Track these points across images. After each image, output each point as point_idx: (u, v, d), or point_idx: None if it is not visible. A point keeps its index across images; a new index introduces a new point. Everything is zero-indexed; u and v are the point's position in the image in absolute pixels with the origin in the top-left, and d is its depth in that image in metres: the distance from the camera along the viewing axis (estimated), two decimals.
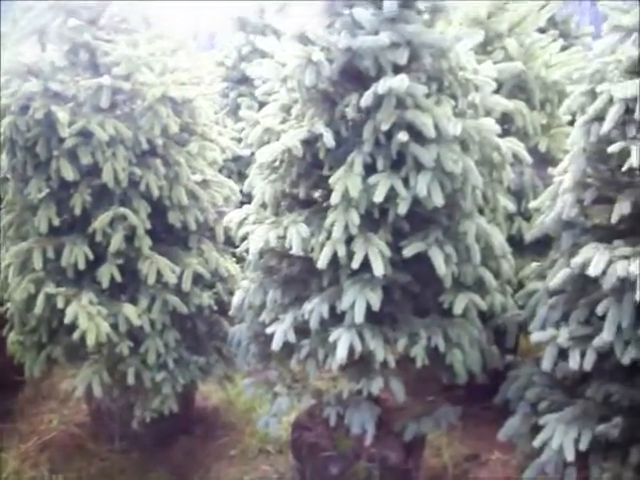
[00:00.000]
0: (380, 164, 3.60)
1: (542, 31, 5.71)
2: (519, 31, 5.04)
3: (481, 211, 4.15)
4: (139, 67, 4.40)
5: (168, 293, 4.40)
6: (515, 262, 4.49)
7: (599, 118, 3.35)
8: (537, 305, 3.75)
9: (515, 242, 4.57)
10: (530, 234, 3.91)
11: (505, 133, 4.81)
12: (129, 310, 4.31)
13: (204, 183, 4.66)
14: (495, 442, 4.00)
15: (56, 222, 4.36)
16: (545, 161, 4.81)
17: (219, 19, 6.75)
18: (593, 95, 3.44)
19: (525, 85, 4.87)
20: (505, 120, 4.82)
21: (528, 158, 4.11)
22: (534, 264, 4.09)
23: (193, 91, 4.62)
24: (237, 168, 5.71)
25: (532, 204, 4.01)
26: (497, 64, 4.52)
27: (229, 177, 5.38)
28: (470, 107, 3.79)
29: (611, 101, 3.28)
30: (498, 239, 3.89)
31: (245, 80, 5.88)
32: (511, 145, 4.01)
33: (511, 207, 4.23)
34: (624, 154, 3.27)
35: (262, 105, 4.23)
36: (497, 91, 4.74)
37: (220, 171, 5.13)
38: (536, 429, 3.61)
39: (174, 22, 7.58)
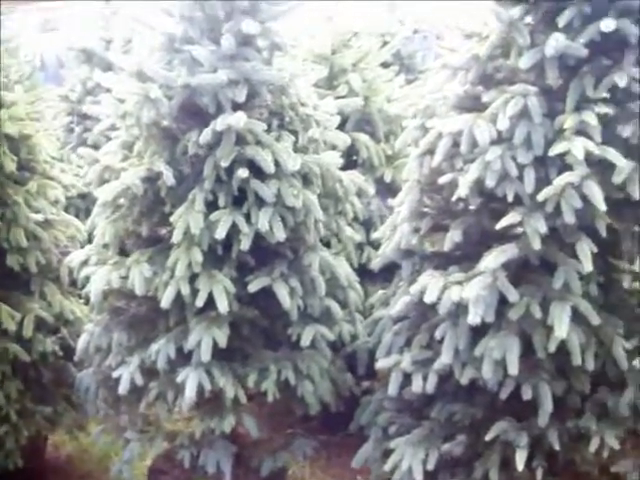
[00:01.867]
0: (222, 200, 3.59)
1: (388, 65, 5.97)
2: (363, 66, 5.22)
3: (328, 243, 4.24)
4: None
5: (8, 341, 4.16)
6: (367, 290, 4.62)
7: (430, 151, 3.51)
8: (383, 332, 3.85)
9: (366, 271, 4.69)
10: (374, 264, 4.02)
11: (352, 165, 4.99)
12: None
13: (46, 223, 4.46)
14: (357, 469, 4.06)
15: None
16: (391, 191, 4.96)
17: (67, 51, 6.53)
18: (425, 129, 3.60)
19: (369, 118, 5.03)
20: (351, 152, 4.97)
21: (371, 190, 4.25)
22: (380, 292, 4.20)
23: (32, 127, 4.44)
24: (85, 205, 5.52)
25: (375, 234, 4.12)
26: (340, 99, 4.69)
27: (76, 215, 5.18)
28: (311, 142, 3.86)
29: (440, 135, 3.44)
30: (343, 270, 3.97)
31: (91, 115, 5.69)
32: (353, 177, 4.12)
33: (357, 237, 4.34)
34: (454, 185, 3.43)
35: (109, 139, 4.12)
36: (343, 124, 4.93)
37: (66, 209, 4.95)
38: (388, 453, 3.69)
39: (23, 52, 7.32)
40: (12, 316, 4.17)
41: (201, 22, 3.80)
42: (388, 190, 4.98)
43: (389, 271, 4.32)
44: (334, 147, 4.22)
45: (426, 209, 3.74)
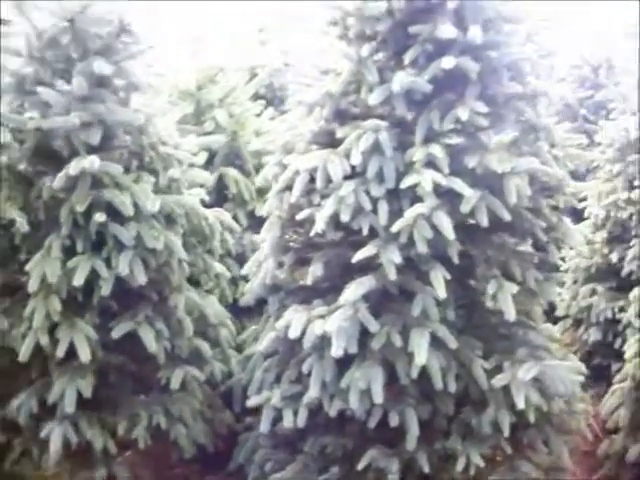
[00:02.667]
0: (80, 246, 3.51)
1: (261, 98, 6.02)
2: (230, 101, 5.24)
3: (197, 281, 4.20)
4: None
5: None
6: (244, 325, 4.61)
7: (289, 187, 3.55)
8: (254, 369, 3.84)
9: (242, 306, 4.67)
10: (243, 300, 4.01)
11: (223, 200, 4.99)
12: None
13: None
14: None
15: None
16: (263, 225, 5.00)
17: None
18: (284, 166, 3.64)
19: (238, 152, 5.05)
20: (221, 187, 4.97)
21: (236, 226, 4.25)
22: (253, 327, 4.19)
23: None
24: None
25: (242, 271, 4.12)
26: (204, 136, 4.69)
27: None
28: (172, 182, 3.83)
29: (298, 172, 3.49)
30: (212, 308, 3.95)
31: None
32: (219, 215, 4.12)
33: (227, 274, 4.32)
34: (312, 220, 3.48)
35: None
36: (211, 159, 4.93)
37: None
38: None
39: None
40: None
41: (53, 63, 3.72)
42: (260, 224, 4.99)
43: (264, 303, 4.34)
44: (201, 185, 4.21)
45: (290, 244, 3.78)
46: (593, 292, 5.97)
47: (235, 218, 4.87)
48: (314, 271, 3.49)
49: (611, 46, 7.89)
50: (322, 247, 3.62)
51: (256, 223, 4.98)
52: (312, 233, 3.45)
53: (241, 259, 4.93)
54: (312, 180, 3.46)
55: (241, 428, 4.17)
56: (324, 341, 3.36)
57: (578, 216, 6.45)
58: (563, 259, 6.07)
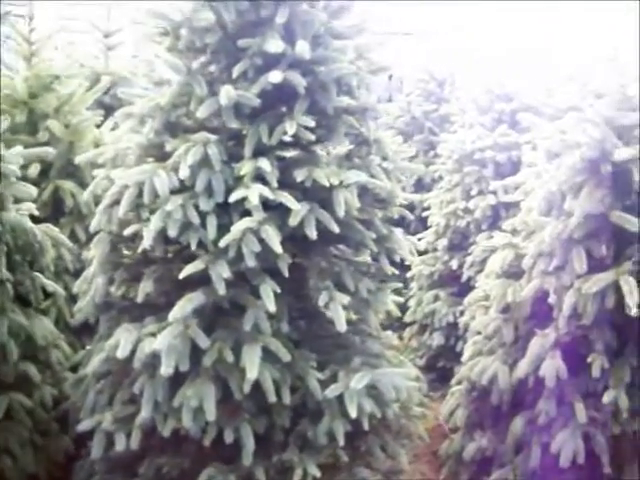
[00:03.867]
0: None
1: (107, 106, 5.82)
2: (67, 110, 5.03)
3: (27, 301, 3.99)
4: None
5: None
6: (85, 344, 4.42)
7: (117, 202, 3.45)
8: (87, 391, 3.69)
9: (84, 324, 4.49)
10: (74, 320, 3.86)
11: (59, 214, 4.79)
12: None
13: None
14: None
15: None
16: None
17: None
18: (112, 180, 3.53)
19: (75, 164, 4.85)
20: (57, 200, 4.76)
21: (67, 242, 4.10)
22: (88, 347, 4.03)
23: None
24: None
25: (73, 289, 3.96)
26: (37, 146, 4.48)
27: None
28: None
29: (126, 186, 3.40)
30: (41, 329, 3.77)
31: None
32: (48, 231, 3.95)
33: (60, 291, 4.15)
34: (140, 236, 3.40)
35: None
36: (46, 171, 4.72)
37: None
38: None
39: None
40: None
41: None
42: None
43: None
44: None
45: (122, 259, 3.67)
46: (436, 298, 6.24)
47: (73, 233, 4.69)
48: (144, 287, 3.41)
49: (454, 60, 8.31)
50: (153, 263, 3.54)
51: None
52: (140, 249, 3.36)
53: (80, 275, 4.74)
54: (140, 194, 3.38)
55: (83, 452, 4.00)
56: (155, 359, 3.28)
57: (424, 225, 6.73)
58: (409, 267, 6.32)
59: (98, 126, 5.27)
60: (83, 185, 4.86)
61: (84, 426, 3.52)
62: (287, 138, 3.57)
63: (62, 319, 4.37)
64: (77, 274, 4.64)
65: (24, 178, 4.12)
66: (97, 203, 4.75)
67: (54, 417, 4.02)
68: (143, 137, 3.55)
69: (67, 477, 3.94)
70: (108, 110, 5.76)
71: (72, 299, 4.59)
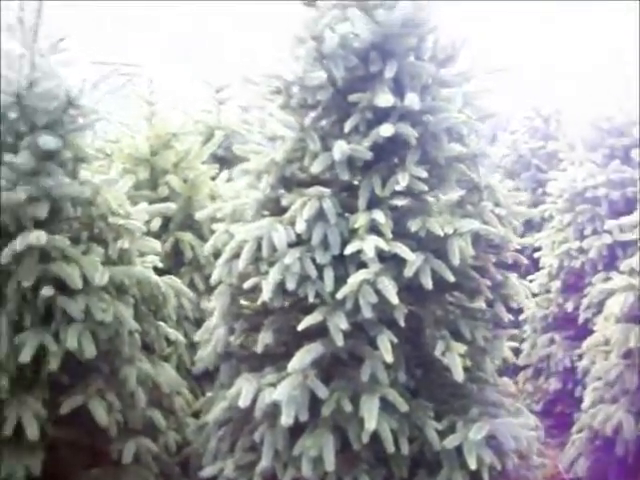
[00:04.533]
0: (27, 320, 3.49)
1: (220, 159, 6.08)
2: (184, 165, 5.29)
3: (152, 349, 4.18)
4: None
5: None
6: (204, 390, 4.57)
7: (237, 256, 3.58)
8: (209, 438, 3.81)
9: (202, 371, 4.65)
10: (195, 369, 4.01)
11: (179, 264, 5.01)
12: None
13: None
14: None
15: None
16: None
17: None
18: (231, 234, 3.68)
19: (193, 217, 5.07)
20: (177, 252, 4.99)
21: (188, 292, 4.28)
22: (208, 394, 4.17)
23: None
24: None
25: (195, 338, 4.12)
26: (160, 201, 4.72)
27: None
28: (122, 252, 3.84)
29: (245, 240, 3.53)
30: (166, 377, 3.93)
31: None
32: (171, 282, 4.14)
33: (181, 339, 4.31)
34: (261, 288, 3.51)
35: None
36: (166, 224, 4.96)
37: None
38: None
39: None
40: None
41: (1, 137, 3.74)
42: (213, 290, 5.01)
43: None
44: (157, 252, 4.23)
45: (241, 310, 3.79)
46: (551, 341, 6.07)
47: (192, 283, 4.89)
48: (264, 338, 3.51)
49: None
50: (272, 314, 3.64)
51: (213, 287, 4.99)
52: (259, 302, 3.47)
53: (200, 323, 4.92)
54: (259, 248, 3.50)
55: None
56: (275, 409, 3.36)
57: (535, 266, 6.58)
58: (521, 309, 6.17)
59: (213, 178, 5.50)
60: (201, 237, 5.09)
61: (207, 473, 3.63)
62: (399, 187, 3.62)
63: (182, 366, 4.54)
64: (196, 322, 4.85)
65: (147, 232, 4.36)
66: (215, 255, 5.02)
67: (177, 462, 4.15)
68: (260, 192, 3.69)
69: None
70: (221, 162, 6.02)
71: (192, 346, 4.79)
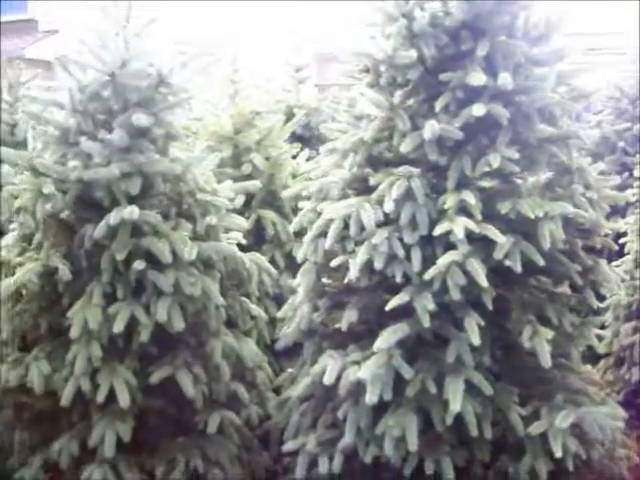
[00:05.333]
0: (120, 292, 3.59)
1: (299, 138, 6.11)
2: (267, 144, 5.33)
3: (235, 323, 4.25)
4: None
5: None
6: (282, 366, 4.63)
7: (323, 234, 3.60)
8: (290, 413, 3.86)
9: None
10: (278, 345, 4.06)
11: (261, 241, 5.07)
12: None
13: None
14: None
15: None
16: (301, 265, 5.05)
17: None
18: (317, 212, 3.70)
19: (275, 195, 5.13)
20: (259, 229, 5.05)
21: (272, 270, 4.32)
22: (289, 370, 4.22)
23: None
24: None
25: (278, 314, 4.17)
26: (246, 180, 4.77)
27: None
28: (209, 228, 3.91)
29: (331, 219, 3.55)
30: (249, 351, 3.99)
31: None
32: (255, 259, 4.19)
33: (263, 315, 4.37)
34: (346, 267, 3.52)
35: None
36: (249, 202, 5.02)
37: None
38: None
39: None
40: None
41: (95, 115, 3.85)
42: (298, 265, 5.04)
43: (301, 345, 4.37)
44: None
45: (325, 288, 3.82)
46: (635, 330, 5.86)
47: (273, 259, 4.94)
48: (349, 316, 3.52)
49: None
50: (357, 292, 3.65)
51: (293, 264, 5.04)
52: (346, 280, 3.49)
53: (279, 300, 4.98)
54: (346, 227, 3.51)
55: (279, 470, 4.19)
56: (359, 387, 3.38)
57: (619, 252, 6.37)
58: (604, 297, 6.00)
59: (293, 157, 5.53)
60: (282, 215, 5.14)
61: (289, 447, 3.69)
62: (488, 169, 3.56)
63: (262, 342, 4.60)
64: (275, 299, 4.91)
65: (230, 209, 4.41)
66: (296, 233, 5.05)
67: (256, 435, 4.22)
68: (346, 171, 3.69)
69: None
70: (300, 141, 6.05)
71: (271, 323, 4.86)
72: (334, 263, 3.55)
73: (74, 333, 3.51)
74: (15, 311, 3.78)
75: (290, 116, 6.09)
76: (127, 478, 3.58)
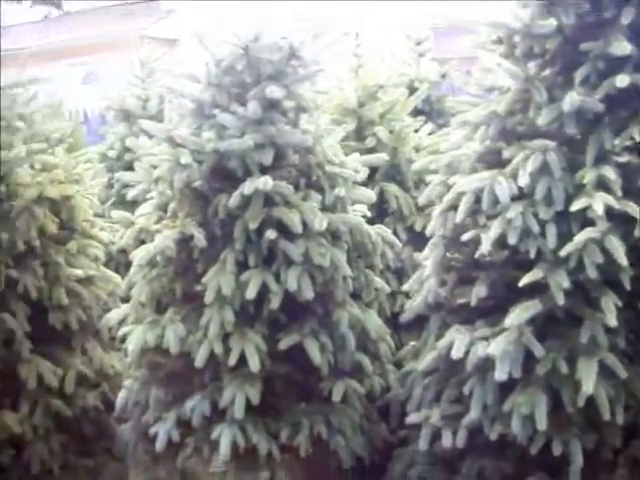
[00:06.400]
0: (252, 260, 3.70)
1: (419, 112, 6.05)
2: (390, 117, 5.31)
3: (359, 295, 4.30)
4: (13, 168, 4.40)
5: (50, 397, 4.32)
6: (401, 339, 4.66)
7: (453, 207, 3.57)
8: (413, 385, 3.88)
9: (399, 319, 4.73)
10: (402, 317, 4.07)
11: (383, 214, 5.08)
12: (9, 417, 4.20)
13: (87, 280, 4.63)
14: None
15: None
16: (422, 239, 5.01)
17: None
18: (447, 186, 3.67)
19: (398, 168, 5.11)
20: (382, 202, 5.05)
21: (398, 243, 4.32)
22: (412, 343, 4.23)
23: (71, 189, 4.64)
24: (124, 260, 5.69)
25: (404, 287, 4.17)
26: (369, 154, 4.78)
27: (117, 270, 5.35)
28: (338, 200, 3.95)
29: (462, 192, 3.50)
30: (373, 323, 4.03)
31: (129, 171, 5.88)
32: (380, 231, 4.21)
33: (387, 288, 4.39)
34: (477, 241, 3.48)
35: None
36: (373, 175, 5.03)
37: (107, 264, 5.11)
38: None
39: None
40: (54, 372, 4.33)
41: (229, 88, 3.96)
42: (419, 238, 5.02)
43: (425, 319, 4.37)
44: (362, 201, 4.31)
45: (452, 263, 3.79)
46: None
47: (395, 233, 4.93)
48: (478, 292, 3.49)
49: None
50: (486, 267, 3.60)
51: (415, 238, 5.03)
52: (477, 255, 3.44)
53: (400, 273, 5.00)
54: (477, 201, 3.46)
55: (395, 442, 4.23)
56: (487, 363, 3.35)
57: None
58: None
59: (415, 131, 5.49)
60: (405, 188, 5.12)
61: (412, 419, 3.71)
62: (628, 143, 3.41)
63: (383, 314, 4.63)
64: (396, 272, 4.92)
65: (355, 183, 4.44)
66: (418, 207, 5.03)
67: (377, 406, 4.27)
68: (478, 144, 3.63)
69: (383, 464, 4.18)
70: (420, 115, 5.98)
71: (392, 296, 4.87)
72: (465, 237, 3.51)
73: (208, 298, 3.65)
74: (152, 275, 3.98)
75: (412, 90, 6.04)
76: (254, 439, 3.72)
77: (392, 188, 5.00)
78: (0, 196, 4.42)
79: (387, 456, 4.19)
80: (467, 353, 3.38)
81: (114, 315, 4.15)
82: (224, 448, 3.65)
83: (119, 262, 5.82)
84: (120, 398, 4.20)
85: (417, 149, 5.24)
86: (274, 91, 3.75)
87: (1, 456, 4.19)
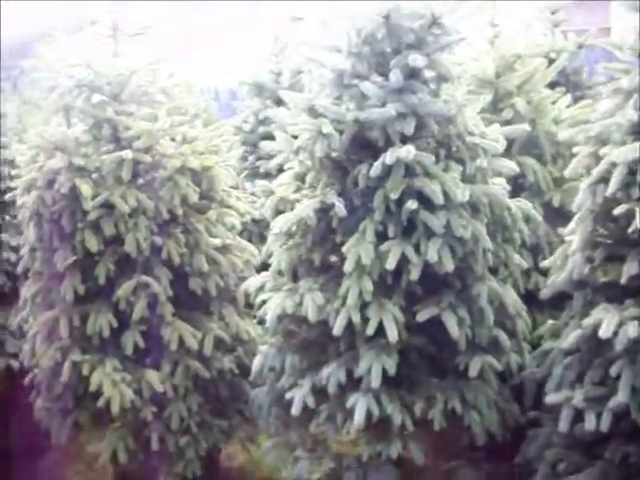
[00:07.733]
0: (391, 231, 3.69)
1: (554, 84, 5.81)
2: (528, 88, 5.12)
3: (495, 270, 4.20)
4: (158, 140, 4.58)
5: (190, 358, 4.50)
6: (535, 318, 4.53)
7: (604, 180, 3.41)
8: (552, 365, 3.76)
9: (532, 297, 4.59)
10: (543, 293, 3.95)
11: (519, 189, 4.92)
12: (152, 376, 4.42)
13: (224, 248, 4.79)
14: None
15: (81, 291, 4.51)
16: (559, 215, 4.84)
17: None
18: (597, 158, 3.50)
19: (536, 141, 4.93)
20: (518, 176, 4.89)
21: (538, 217, 4.19)
22: (550, 322, 4.10)
23: (211, 160, 4.78)
24: (258, 230, 5.83)
25: (544, 263, 4.04)
26: (506, 126, 4.63)
27: (250, 240, 5.49)
28: (478, 171, 3.87)
29: (614, 164, 3.34)
30: (511, 299, 3.94)
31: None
32: (521, 205, 4.09)
33: (524, 264, 4.27)
34: (630, 215, 3.31)
35: (281, 169, 4.32)
36: (509, 148, 4.87)
37: (241, 234, 5.24)
38: None
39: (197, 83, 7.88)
40: (194, 335, 4.51)
41: (369, 57, 3.93)
42: (556, 215, 4.85)
43: (558, 298, 4.22)
44: (500, 174, 4.20)
45: (600, 239, 3.63)
46: None
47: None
48: (629, 269, 3.33)
49: None
50: (637, 244, 3.42)
51: (552, 214, 4.86)
52: (630, 229, 3.28)
53: (535, 250, 4.84)
54: (631, 172, 3.29)
55: (525, 422, 4.13)
56: (638, 345, 3.20)
57: None
58: None
59: (553, 102, 5.27)
60: (542, 162, 4.94)
61: (552, 399, 3.60)
62: None
63: (517, 291, 4.50)
64: (532, 249, 4.76)
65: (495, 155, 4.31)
66: (556, 181, 4.84)
67: (511, 384, 4.18)
68: (634, 113, 3.44)
69: (514, 443, 4.08)
70: (555, 86, 5.73)
71: (526, 273, 4.73)
72: (617, 211, 3.34)
73: (348, 267, 3.67)
74: (290, 244, 4.04)
75: (549, 62, 5.80)
76: (388, 410, 3.72)
77: (530, 161, 4.83)
78: (145, 166, 4.62)
79: (515, 436, 4.10)
80: (616, 333, 3.24)
81: (252, 282, 4.25)
82: (359, 417, 3.68)
83: (252, 232, 5.99)
84: (256, 363, 4.31)
85: (556, 121, 5.03)
86: (417, 59, 3.69)
87: (145, 412, 4.41)
